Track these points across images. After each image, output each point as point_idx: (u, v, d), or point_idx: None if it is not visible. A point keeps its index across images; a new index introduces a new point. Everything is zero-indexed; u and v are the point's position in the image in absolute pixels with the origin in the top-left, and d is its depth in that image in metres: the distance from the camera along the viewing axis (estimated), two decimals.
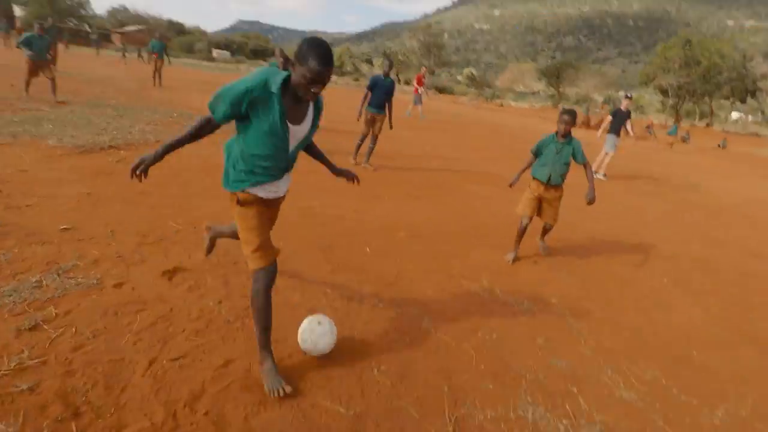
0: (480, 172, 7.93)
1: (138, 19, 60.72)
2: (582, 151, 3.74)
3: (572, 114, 3.66)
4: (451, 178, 7.05)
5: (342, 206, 4.71)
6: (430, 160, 8.39)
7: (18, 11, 48.42)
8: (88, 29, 47.23)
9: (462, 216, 5.15)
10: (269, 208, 2.05)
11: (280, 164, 1.91)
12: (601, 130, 9.42)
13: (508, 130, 18.00)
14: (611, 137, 8.96)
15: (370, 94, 6.37)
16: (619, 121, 8.94)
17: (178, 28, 63.79)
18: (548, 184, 3.78)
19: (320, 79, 1.69)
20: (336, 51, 68.06)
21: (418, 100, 15.82)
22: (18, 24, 45.55)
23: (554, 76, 45.87)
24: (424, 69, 16.24)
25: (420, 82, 15.73)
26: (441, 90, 51.68)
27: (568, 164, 3.77)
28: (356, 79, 50.54)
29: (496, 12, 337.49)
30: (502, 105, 40.21)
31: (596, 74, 50.73)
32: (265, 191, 1.95)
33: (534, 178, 3.85)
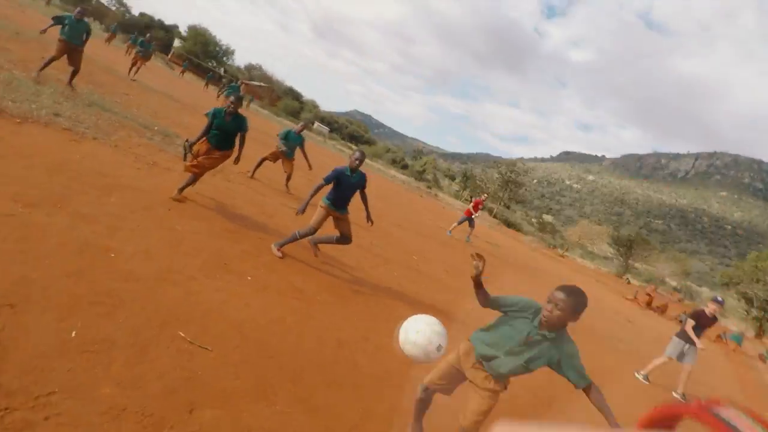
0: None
1: (264, 77, 68.98)
2: (580, 365, 2.17)
3: (571, 295, 2.10)
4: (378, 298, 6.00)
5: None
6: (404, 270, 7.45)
7: (176, 43, 57.34)
8: (221, 73, 54.03)
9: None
10: None
11: None
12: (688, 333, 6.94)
13: (548, 279, 16.55)
14: (677, 342, 6.94)
15: (327, 188, 4.76)
16: (699, 326, 6.94)
17: (295, 95, 71.28)
18: (487, 370, 2.33)
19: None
20: (423, 159, 71.65)
21: (465, 221, 14.71)
22: (171, 52, 53.60)
23: (625, 246, 43.74)
24: (485, 196, 15.67)
25: (476, 208, 14.78)
26: (509, 225, 51.17)
27: (531, 371, 2.26)
28: (429, 187, 51.79)
29: (590, 177, 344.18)
30: (563, 256, 38.42)
31: (676, 260, 47.67)
32: None
33: (469, 341, 2.44)
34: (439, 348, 2.27)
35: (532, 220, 58.65)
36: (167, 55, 50.20)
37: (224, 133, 4.84)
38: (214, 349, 2.63)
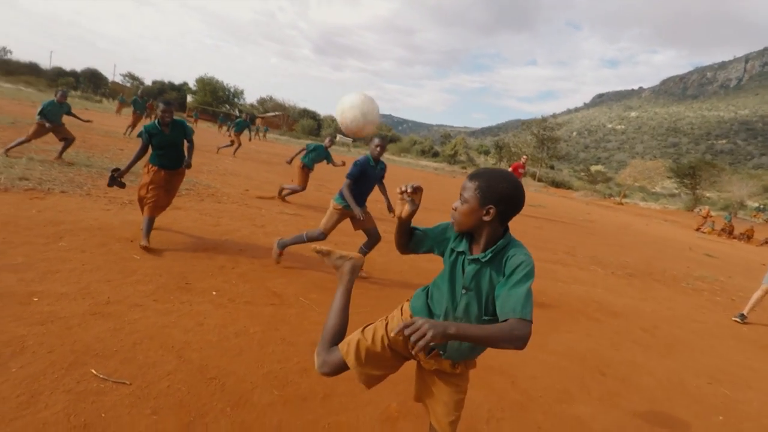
0: None
1: (278, 106, 70.34)
2: (519, 291, 1.34)
3: (478, 177, 1.44)
4: None
5: None
6: None
7: (189, 98, 59.82)
8: (238, 113, 55.55)
9: None
10: None
11: None
12: None
13: (603, 231, 15.19)
14: None
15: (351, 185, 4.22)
16: None
17: (311, 115, 72.03)
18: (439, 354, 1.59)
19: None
20: (452, 141, 70.03)
21: None
22: (187, 108, 55.84)
23: (688, 175, 39.88)
24: (524, 158, 13.77)
25: (517, 173, 12.97)
26: (556, 184, 48.77)
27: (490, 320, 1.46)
28: (464, 168, 50.42)
29: (632, 114, 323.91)
30: (621, 203, 35.90)
31: (752, 178, 42.91)
32: None
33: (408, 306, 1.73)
34: (376, 112, 2.60)
35: (581, 174, 55.37)
36: (184, 113, 52.21)
37: (169, 148, 4.18)
38: (133, 381, 2.15)
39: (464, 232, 1.50)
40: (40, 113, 7.27)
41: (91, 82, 57.99)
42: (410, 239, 1.66)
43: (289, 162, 8.76)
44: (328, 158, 8.39)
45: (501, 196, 1.37)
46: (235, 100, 64.96)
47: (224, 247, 4.60)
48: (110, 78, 62.45)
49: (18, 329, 2.38)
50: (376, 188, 4.55)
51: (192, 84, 64.56)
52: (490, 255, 1.42)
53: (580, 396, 2.96)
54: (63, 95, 7.65)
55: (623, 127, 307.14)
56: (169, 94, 62.46)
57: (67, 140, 7.48)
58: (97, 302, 2.86)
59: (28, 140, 7.28)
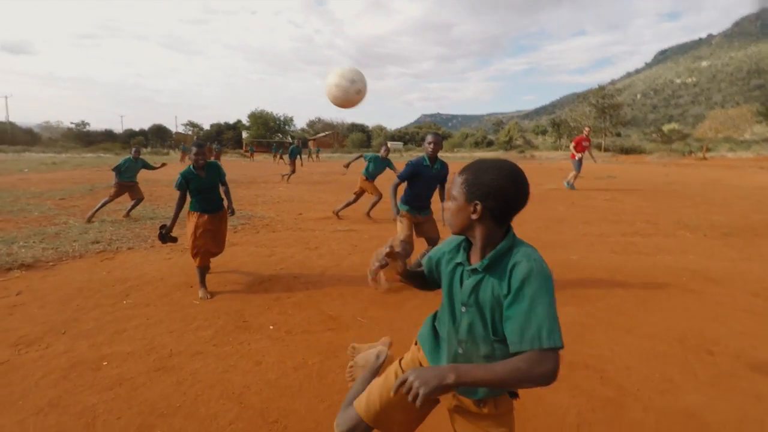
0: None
1: (327, 126, 72.21)
2: (534, 315, 1.06)
3: (467, 170, 1.21)
4: None
5: None
6: None
7: (244, 134, 63.13)
8: (290, 140, 57.77)
9: None
10: None
11: None
12: None
13: (686, 191, 13.81)
14: None
15: (404, 187, 4.19)
16: None
17: (359, 128, 73.26)
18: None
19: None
20: (505, 128, 67.89)
21: (578, 166, 12.52)
22: (244, 144, 58.95)
23: None
24: (587, 129, 12.75)
25: (580, 147, 12.33)
26: (626, 152, 45.39)
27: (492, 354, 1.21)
28: (521, 152, 48.52)
29: (704, 63, 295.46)
30: (704, 158, 32.57)
31: None
32: None
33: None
34: (359, 91, 2.91)
35: (652, 135, 51.00)
36: (242, 149, 55.12)
37: (207, 192, 4.08)
38: None
39: (463, 239, 1.27)
40: (116, 169, 7.88)
41: (158, 136, 63.08)
42: (424, 279, 1.44)
43: (346, 166, 8.88)
44: (390, 166, 8.17)
45: (489, 189, 1.12)
46: (286, 127, 67.73)
47: (279, 276, 4.60)
48: (173, 129, 67.60)
49: (89, 398, 2.43)
50: None
51: (245, 120, 68.20)
52: (487, 262, 1.16)
53: (687, 383, 2.54)
54: (137, 151, 8.26)
55: (694, 79, 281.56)
56: (225, 134, 66.47)
57: (138, 199, 8.04)
58: (161, 356, 2.90)
59: (110, 200, 7.90)
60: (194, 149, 4.04)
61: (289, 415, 2.27)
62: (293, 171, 15.23)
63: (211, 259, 4.31)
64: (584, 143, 12.30)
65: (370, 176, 8.03)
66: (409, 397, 1.00)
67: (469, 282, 1.21)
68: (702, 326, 3.31)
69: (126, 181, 7.98)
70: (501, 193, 1.12)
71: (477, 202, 1.14)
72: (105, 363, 2.81)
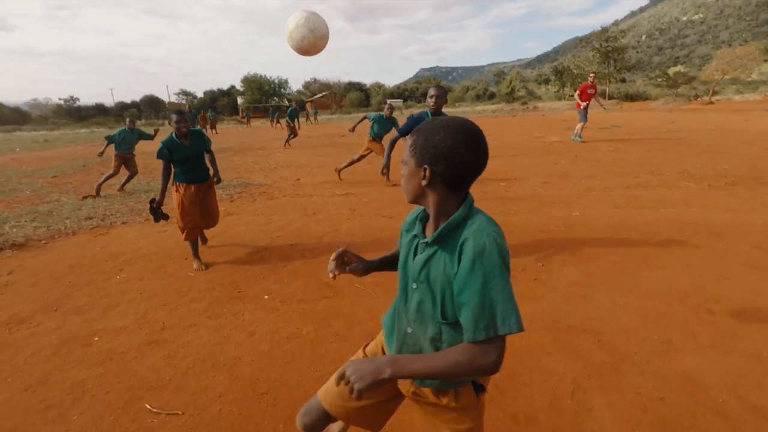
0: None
1: (324, 86, 70.54)
2: (484, 298, 0.95)
3: (421, 131, 1.06)
4: None
5: None
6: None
7: (239, 100, 61.91)
8: (287, 103, 56.63)
9: None
10: None
11: None
12: None
13: (693, 138, 13.51)
14: None
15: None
16: None
17: (357, 87, 71.53)
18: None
19: None
20: (506, 78, 66.07)
21: (583, 116, 11.98)
22: (240, 109, 57.99)
23: None
24: (591, 76, 12.10)
25: (586, 95, 11.73)
26: (631, 98, 44.21)
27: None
28: (524, 104, 47.41)
29: None
30: (711, 102, 31.72)
31: None
32: None
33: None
34: (323, 25, 2.86)
35: (657, 80, 49.42)
36: (238, 115, 54.16)
37: (192, 161, 3.90)
38: (186, 411, 2.10)
39: (422, 209, 1.16)
40: (110, 139, 7.76)
41: (151, 107, 61.99)
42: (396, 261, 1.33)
43: (352, 130, 8.63)
44: (395, 125, 7.88)
45: (437, 151, 0.99)
46: (282, 90, 66.31)
47: (276, 245, 4.56)
48: (166, 99, 66.24)
49: (79, 373, 2.44)
50: None
51: (239, 85, 66.68)
52: (437, 234, 1.05)
53: (686, 345, 2.51)
54: (131, 122, 8.09)
55: (701, 16, 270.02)
56: (220, 101, 65.18)
57: (132, 173, 7.94)
58: (153, 330, 2.89)
59: (114, 174, 7.84)
60: (174, 117, 3.81)
61: (279, 387, 2.26)
62: (294, 134, 14.94)
63: (209, 230, 4.27)
64: (589, 91, 11.81)
65: (377, 136, 7.84)
66: (347, 391, 0.94)
67: (420, 257, 1.10)
68: (704, 283, 3.26)
69: (124, 152, 7.90)
70: (451, 155, 0.98)
71: (426, 166, 1.01)
72: (96, 338, 2.81)
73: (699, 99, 34.73)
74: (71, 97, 64.23)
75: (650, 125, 16.66)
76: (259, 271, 3.86)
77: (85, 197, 7.21)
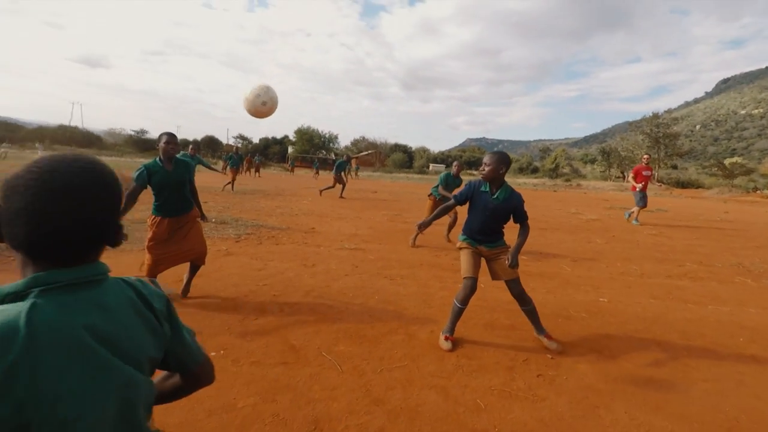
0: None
1: (371, 145, 72.83)
2: None
3: None
4: None
5: None
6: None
7: (290, 149, 64.85)
8: (333, 157, 58.50)
9: None
10: None
11: None
12: None
13: (750, 231, 12.43)
14: None
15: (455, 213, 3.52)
16: None
17: (401, 149, 73.29)
18: None
19: None
20: (552, 154, 65.83)
21: (640, 200, 10.97)
22: (287, 158, 60.52)
23: None
24: (646, 157, 11.21)
25: (641, 177, 10.82)
26: (682, 185, 42.53)
27: None
28: (567, 180, 46.66)
29: None
30: None
31: None
32: None
33: None
34: (264, 103, 3.94)
35: (712, 169, 47.53)
36: (285, 163, 56.30)
37: (171, 191, 3.57)
38: None
39: None
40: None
41: (209, 147, 65.52)
42: None
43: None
44: (460, 185, 7.07)
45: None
46: (330, 144, 68.92)
47: (258, 293, 4.13)
48: (224, 141, 70.03)
49: None
50: None
51: (292, 135, 69.90)
52: None
53: None
54: (193, 149, 8.53)
55: (762, 110, 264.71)
56: (272, 148, 68.29)
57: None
58: None
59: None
60: (165, 137, 3.55)
61: None
62: (343, 185, 14.73)
63: (201, 267, 3.94)
64: (645, 173, 10.92)
65: (439, 195, 7.13)
66: None
67: None
68: (762, 410, 2.52)
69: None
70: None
71: None
72: None
73: (759, 192, 32.80)
74: (142, 130, 69.06)
75: (701, 213, 15.55)
76: (225, 321, 3.41)
77: None
